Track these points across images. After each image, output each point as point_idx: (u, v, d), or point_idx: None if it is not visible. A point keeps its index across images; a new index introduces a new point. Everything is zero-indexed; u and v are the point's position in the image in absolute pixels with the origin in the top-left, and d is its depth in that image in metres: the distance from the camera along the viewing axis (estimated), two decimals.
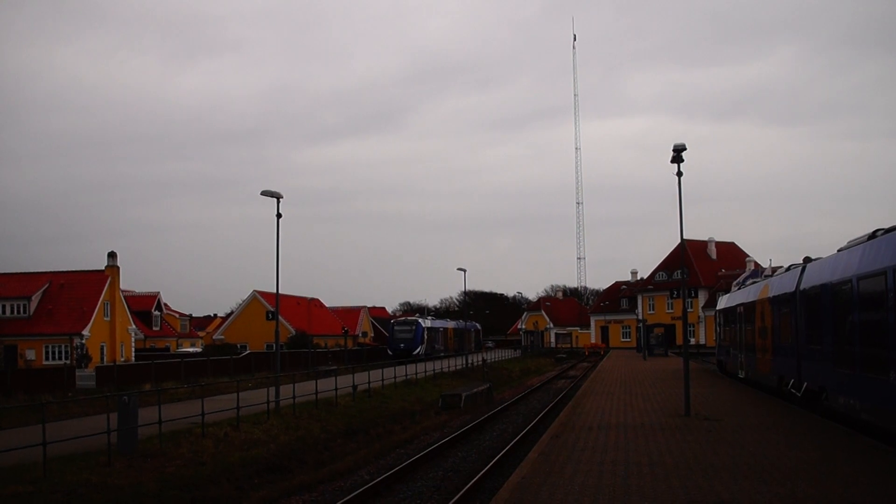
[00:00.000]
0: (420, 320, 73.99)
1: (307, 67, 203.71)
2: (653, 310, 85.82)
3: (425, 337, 70.65)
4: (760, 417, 17.69)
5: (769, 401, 21.41)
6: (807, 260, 19.18)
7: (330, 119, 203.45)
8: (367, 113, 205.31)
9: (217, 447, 18.43)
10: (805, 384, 18.15)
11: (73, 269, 59.40)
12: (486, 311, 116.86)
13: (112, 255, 59.48)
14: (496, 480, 13.74)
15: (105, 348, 57.32)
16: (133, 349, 62.01)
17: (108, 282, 57.81)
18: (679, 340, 64.21)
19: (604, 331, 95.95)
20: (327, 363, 51.83)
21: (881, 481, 10.44)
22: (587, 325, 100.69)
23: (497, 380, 42.42)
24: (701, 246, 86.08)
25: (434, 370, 44.66)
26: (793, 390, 19.32)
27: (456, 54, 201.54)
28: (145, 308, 73.84)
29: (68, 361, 49.29)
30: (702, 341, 75.80)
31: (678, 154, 18.67)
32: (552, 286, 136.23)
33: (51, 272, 59.05)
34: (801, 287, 18.20)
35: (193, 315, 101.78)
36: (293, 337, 69.29)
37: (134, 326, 63.37)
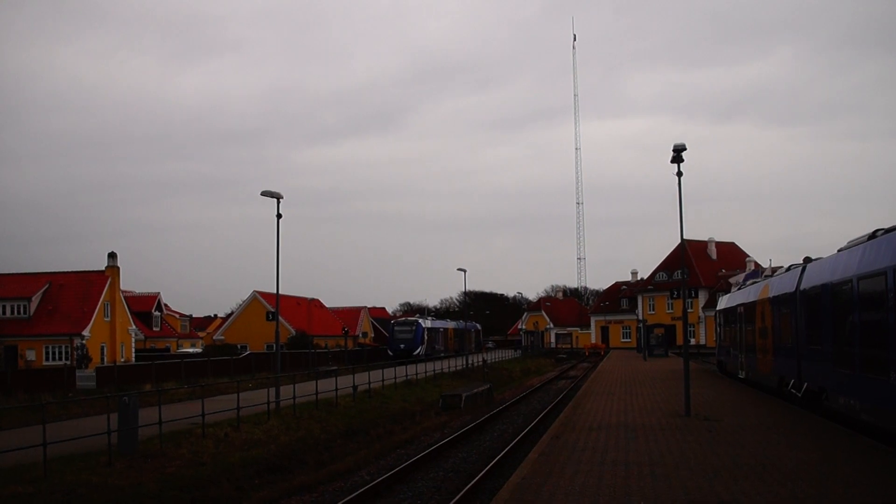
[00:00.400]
0: (420, 321, 73.99)
1: (307, 68, 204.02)
2: (653, 310, 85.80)
3: (425, 337, 70.64)
4: (761, 418, 17.69)
5: (769, 401, 21.41)
6: (807, 260, 19.18)
7: (330, 119, 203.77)
8: (367, 113, 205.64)
9: (217, 448, 18.44)
10: (805, 384, 18.14)
11: (74, 270, 59.42)
12: (487, 312, 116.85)
13: (112, 256, 59.51)
14: (496, 481, 13.73)
15: (105, 349, 57.33)
16: (133, 350, 62.03)
17: (109, 282, 57.83)
18: (679, 341, 64.17)
19: (604, 331, 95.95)
20: (327, 363, 51.84)
21: (881, 482, 10.44)
22: (587, 326, 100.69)
23: (497, 380, 42.42)
24: (701, 246, 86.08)
25: (434, 371, 44.65)
26: (793, 391, 19.32)
27: (456, 54, 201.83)
28: (145, 308, 73.88)
29: (68, 362, 49.31)
30: (702, 342, 75.77)
31: (678, 154, 18.66)
32: (552, 286, 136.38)
33: (51, 273, 59.06)
34: (802, 287, 18.19)
35: (193, 315, 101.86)
36: (293, 337, 69.31)
37: (134, 327, 63.38)
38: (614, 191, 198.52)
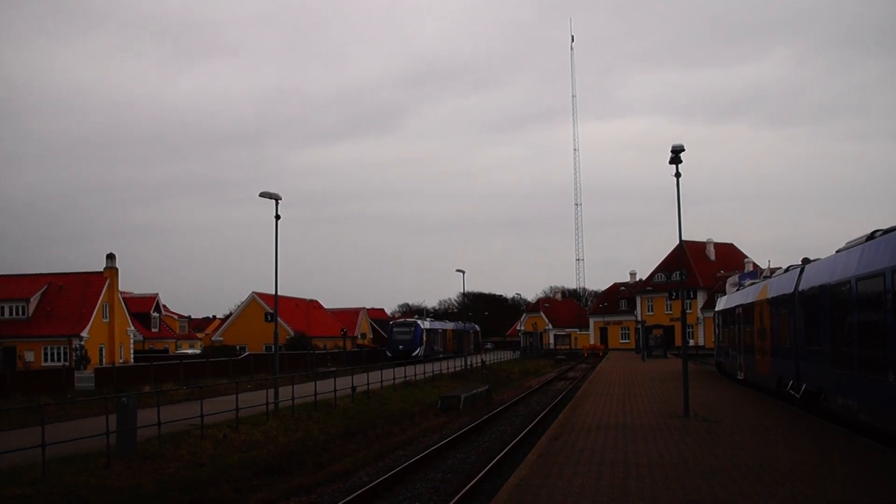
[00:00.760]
0: (419, 322, 73.99)
1: (305, 70, 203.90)
2: (651, 311, 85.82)
3: (424, 338, 70.64)
4: (759, 418, 17.70)
5: (768, 402, 21.43)
6: (805, 261, 19.19)
7: (329, 120, 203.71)
8: (366, 115, 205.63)
9: (216, 449, 18.44)
10: (804, 385, 18.15)
11: (72, 271, 59.34)
12: (485, 313, 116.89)
13: (111, 257, 59.44)
14: (495, 482, 13.73)
15: (104, 350, 57.26)
16: (132, 351, 61.96)
17: (107, 283, 57.76)
18: (678, 342, 64.25)
19: (603, 332, 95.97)
20: (326, 365, 51.85)
21: (879, 482, 10.46)
22: (586, 327, 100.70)
23: (496, 381, 42.41)
24: (700, 247, 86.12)
25: (433, 372, 44.68)
26: (791, 391, 19.34)
27: (454, 56, 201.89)
28: (144, 310, 73.80)
29: (67, 363, 49.25)
30: (700, 342, 75.80)
31: (676, 155, 18.68)
32: (551, 287, 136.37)
33: (50, 274, 59.00)
34: (800, 288, 18.21)
35: (192, 316, 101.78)
36: (292, 338, 69.25)
37: (133, 328, 63.33)
38: (613, 191, 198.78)
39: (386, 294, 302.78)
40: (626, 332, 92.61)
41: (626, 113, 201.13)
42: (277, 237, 26.97)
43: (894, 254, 12.16)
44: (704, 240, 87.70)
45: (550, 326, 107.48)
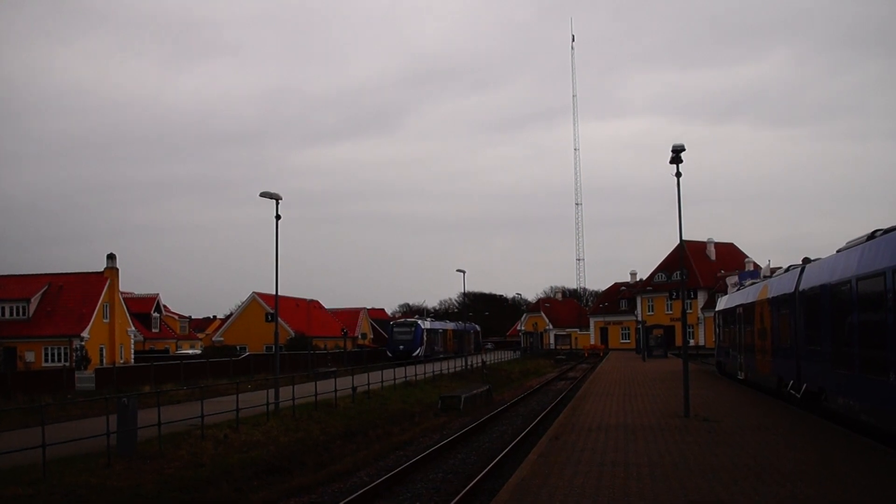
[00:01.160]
0: (419, 322, 73.97)
1: (305, 70, 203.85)
2: (652, 311, 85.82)
3: (424, 338, 70.63)
4: (760, 418, 17.70)
5: (768, 402, 21.43)
6: (806, 261, 19.20)
7: (329, 120, 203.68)
8: (366, 115, 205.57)
9: (216, 449, 18.43)
10: (804, 385, 18.15)
11: (73, 271, 59.36)
12: (486, 313, 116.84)
13: (111, 257, 59.44)
14: (495, 482, 13.72)
15: (104, 350, 57.27)
16: (132, 351, 61.96)
17: (108, 284, 57.77)
18: (678, 342, 64.22)
19: (603, 332, 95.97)
20: (326, 365, 51.85)
21: (880, 482, 10.45)
22: (586, 327, 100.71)
23: (496, 381, 42.40)
24: (700, 247, 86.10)
25: (433, 372, 44.68)
26: (792, 391, 19.33)
27: (454, 56, 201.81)
28: (144, 310, 73.81)
29: (67, 363, 49.24)
30: (701, 342, 75.80)
31: (677, 155, 18.68)
32: (551, 287, 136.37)
33: (50, 274, 59.00)
34: (801, 288, 18.21)
35: (192, 317, 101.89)
36: (292, 339, 69.25)
37: (133, 328, 63.34)
38: (613, 191, 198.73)
39: (386, 294, 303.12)
40: (627, 332, 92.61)
41: (626, 113, 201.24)
42: (278, 237, 27.01)
43: (895, 253, 12.16)
44: (705, 240, 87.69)
45: (551, 326, 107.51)
